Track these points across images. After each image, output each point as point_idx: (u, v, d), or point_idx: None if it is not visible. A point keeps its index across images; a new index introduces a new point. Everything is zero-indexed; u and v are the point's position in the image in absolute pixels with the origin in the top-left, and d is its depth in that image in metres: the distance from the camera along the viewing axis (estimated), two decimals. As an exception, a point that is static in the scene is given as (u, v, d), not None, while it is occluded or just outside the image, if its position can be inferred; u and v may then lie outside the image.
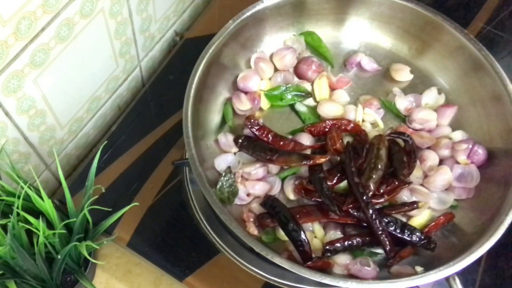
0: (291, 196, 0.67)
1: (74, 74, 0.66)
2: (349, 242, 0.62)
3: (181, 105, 0.65)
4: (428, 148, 0.71)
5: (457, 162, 0.69)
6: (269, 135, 0.69)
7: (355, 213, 0.63)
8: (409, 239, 0.63)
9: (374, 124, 0.74)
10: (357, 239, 0.63)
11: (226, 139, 0.69)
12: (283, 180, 0.69)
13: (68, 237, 0.59)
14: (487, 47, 0.71)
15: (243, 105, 0.72)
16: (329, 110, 0.73)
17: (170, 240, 0.70)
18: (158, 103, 0.81)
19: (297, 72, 0.77)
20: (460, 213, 0.68)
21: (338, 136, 0.69)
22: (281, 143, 0.69)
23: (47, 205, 0.55)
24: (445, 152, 0.70)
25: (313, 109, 0.74)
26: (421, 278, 0.57)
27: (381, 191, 0.65)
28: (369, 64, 0.78)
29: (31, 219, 0.53)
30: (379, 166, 0.65)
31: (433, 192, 0.68)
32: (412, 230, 0.63)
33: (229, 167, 0.67)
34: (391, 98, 0.76)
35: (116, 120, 0.81)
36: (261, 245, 0.57)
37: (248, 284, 0.67)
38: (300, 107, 0.75)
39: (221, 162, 0.68)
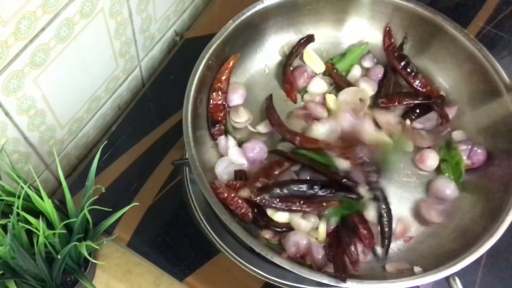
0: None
1: (74, 74, 0.66)
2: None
3: (181, 105, 0.65)
4: (428, 147, 0.71)
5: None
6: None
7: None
8: None
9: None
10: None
11: (226, 141, 0.69)
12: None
13: (68, 237, 0.59)
14: (487, 47, 0.71)
15: (239, 117, 0.72)
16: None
17: (170, 240, 0.70)
18: (158, 103, 0.81)
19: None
20: (460, 213, 0.68)
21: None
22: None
23: (47, 205, 0.55)
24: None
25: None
26: (421, 278, 0.57)
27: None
28: (370, 64, 0.78)
29: (31, 219, 0.53)
30: None
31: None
32: None
33: None
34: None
35: (116, 120, 0.81)
36: (261, 245, 0.57)
37: (248, 284, 0.67)
38: None
39: (220, 166, 0.68)
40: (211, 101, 0.70)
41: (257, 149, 0.69)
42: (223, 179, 0.67)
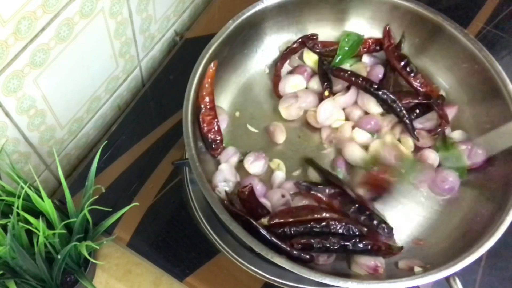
0: None
1: (74, 74, 0.66)
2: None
3: (181, 105, 0.65)
4: (429, 147, 0.72)
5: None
6: None
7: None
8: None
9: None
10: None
11: (225, 154, 0.69)
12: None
13: (68, 237, 0.59)
14: (487, 47, 0.71)
15: None
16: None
17: (170, 240, 0.70)
18: (158, 103, 0.81)
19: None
20: (460, 213, 0.68)
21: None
22: None
23: (47, 205, 0.55)
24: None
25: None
26: (421, 278, 0.57)
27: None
28: (370, 64, 0.78)
29: (31, 219, 0.53)
30: None
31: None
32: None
33: None
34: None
35: (116, 120, 0.81)
36: (261, 245, 0.57)
37: (248, 284, 0.67)
38: None
39: (219, 176, 0.67)
40: (202, 123, 0.67)
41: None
42: (220, 188, 0.66)
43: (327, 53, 0.78)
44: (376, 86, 0.71)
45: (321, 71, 0.76)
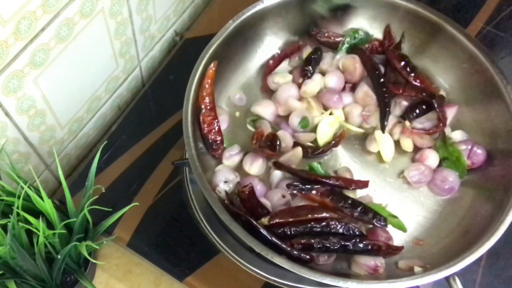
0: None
1: (74, 74, 0.66)
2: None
3: (181, 105, 0.65)
4: (429, 148, 0.72)
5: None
6: None
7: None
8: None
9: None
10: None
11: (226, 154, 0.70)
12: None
13: (68, 237, 0.59)
14: (487, 47, 0.71)
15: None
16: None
17: (170, 240, 0.70)
18: (158, 103, 0.81)
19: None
20: (460, 213, 0.68)
21: None
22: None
23: (47, 205, 0.55)
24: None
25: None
26: (421, 278, 0.57)
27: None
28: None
29: (31, 219, 0.53)
30: None
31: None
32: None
33: None
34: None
35: (116, 120, 0.81)
36: (261, 245, 0.57)
37: (248, 284, 0.67)
38: None
39: (219, 176, 0.67)
40: (203, 124, 0.67)
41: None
42: (220, 188, 0.66)
43: (329, 44, 0.78)
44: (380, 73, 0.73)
45: (308, 58, 0.77)
